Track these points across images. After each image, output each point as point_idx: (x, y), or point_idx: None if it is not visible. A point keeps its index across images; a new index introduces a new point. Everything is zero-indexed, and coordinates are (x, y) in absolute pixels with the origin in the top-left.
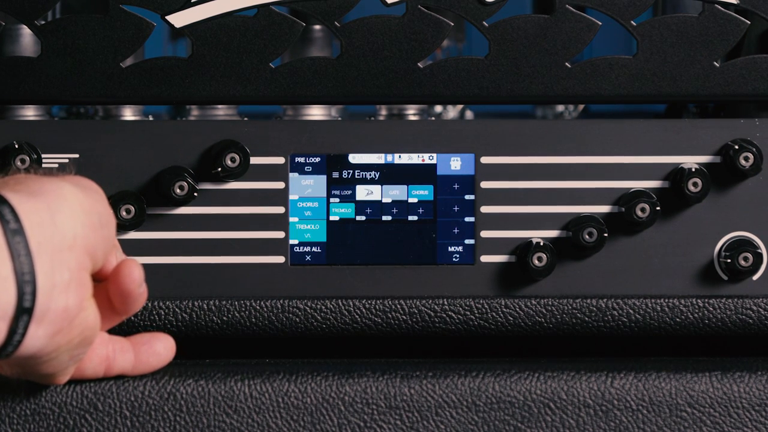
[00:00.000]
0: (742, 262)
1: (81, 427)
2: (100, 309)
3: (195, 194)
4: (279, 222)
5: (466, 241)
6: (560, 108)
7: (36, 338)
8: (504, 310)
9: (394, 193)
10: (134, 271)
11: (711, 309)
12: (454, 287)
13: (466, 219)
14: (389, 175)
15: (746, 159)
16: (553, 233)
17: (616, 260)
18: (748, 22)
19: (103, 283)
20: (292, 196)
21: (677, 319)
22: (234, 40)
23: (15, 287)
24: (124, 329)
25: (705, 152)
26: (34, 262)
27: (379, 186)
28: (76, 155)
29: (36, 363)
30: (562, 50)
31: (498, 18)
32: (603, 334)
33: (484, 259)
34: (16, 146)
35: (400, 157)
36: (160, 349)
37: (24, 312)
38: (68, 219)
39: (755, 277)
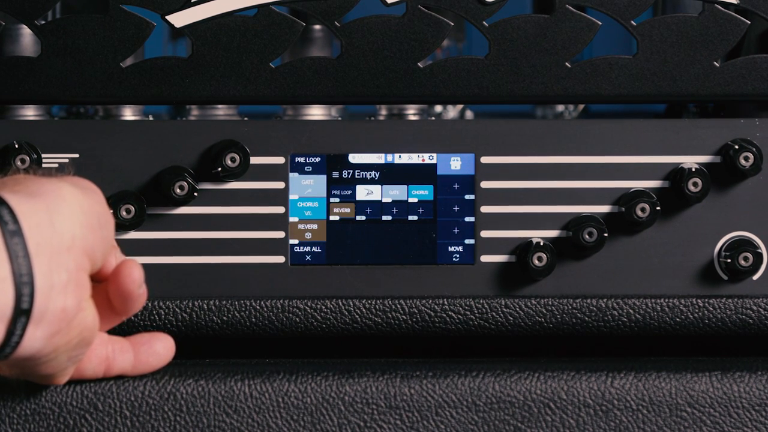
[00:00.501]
0: (742, 262)
1: (81, 427)
2: (99, 310)
3: (195, 194)
4: (279, 222)
5: (466, 241)
6: (560, 108)
7: (34, 339)
8: (504, 310)
9: (394, 193)
10: (134, 272)
11: (711, 309)
12: (454, 287)
13: (466, 219)
14: (389, 175)
15: (746, 159)
16: (553, 233)
17: (616, 260)
18: (748, 22)
19: (102, 283)
20: (292, 196)
21: (677, 319)
22: (234, 40)
23: (13, 289)
24: (124, 329)
25: (705, 152)
26: (33, 264)
27: (379, 186)
28: (76, 155)
29: (35, 364)
30: (562, 50)
31: (498, 18)
32: (603, 334)
33: (484, 259)
34: (16, 146)
35: (400, 157)
36: (159, 349)
37: (22, 313)
38: (67, 220)
39: (755, 277)
